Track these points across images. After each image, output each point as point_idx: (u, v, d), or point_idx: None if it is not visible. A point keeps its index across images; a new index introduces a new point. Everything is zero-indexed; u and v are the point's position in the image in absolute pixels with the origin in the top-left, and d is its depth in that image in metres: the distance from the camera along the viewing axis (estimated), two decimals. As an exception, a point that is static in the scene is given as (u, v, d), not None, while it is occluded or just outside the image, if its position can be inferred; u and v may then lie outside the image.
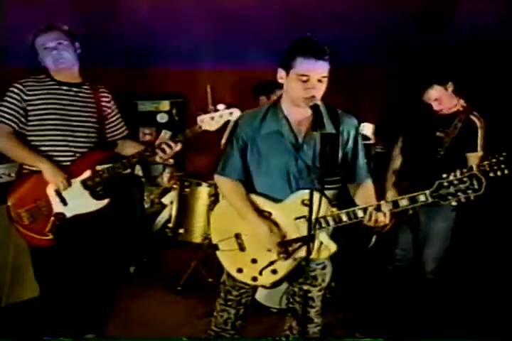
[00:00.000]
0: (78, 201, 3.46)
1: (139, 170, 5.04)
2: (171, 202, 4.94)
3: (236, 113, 3.38)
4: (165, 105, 5.31)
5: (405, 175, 3.95)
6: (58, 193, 3.45)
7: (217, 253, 3.08)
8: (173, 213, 4.77)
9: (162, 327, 4.07)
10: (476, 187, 2.74)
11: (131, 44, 5.13)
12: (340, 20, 5.16)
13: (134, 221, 4.98)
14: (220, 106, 3.40)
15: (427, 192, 2.80)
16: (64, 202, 3.46)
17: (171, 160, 5.09)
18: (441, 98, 3.81)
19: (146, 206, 5.20)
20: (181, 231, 4.65)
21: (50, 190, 3.46)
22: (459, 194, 2.76)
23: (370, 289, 4.29)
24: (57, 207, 3.46)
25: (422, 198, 2.80)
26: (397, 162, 4.09)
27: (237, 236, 3.03)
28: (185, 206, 4.69)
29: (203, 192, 4.64)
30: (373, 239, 4.34)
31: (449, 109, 3.86)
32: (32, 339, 3.67)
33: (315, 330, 3.14)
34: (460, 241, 4.19)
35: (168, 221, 4.92)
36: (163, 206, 5.20)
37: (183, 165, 5.40)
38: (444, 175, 2.79)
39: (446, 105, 3.84)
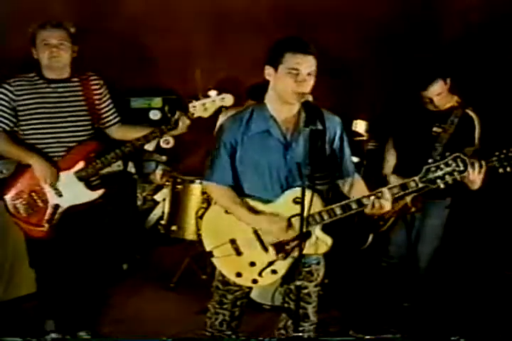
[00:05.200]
0: (73, 192, 3.53)
1: (131, 167, 5.03)
2: (164, 199, 4.94)
3: (228, 98, 3.37)
4: (157, 102, 5.29)
5: (402, 172, 3.94)
6: (52, 184, 3.50)
7: (213, 260, 3.05)
8: (166, 210, 4.77)
9: (155, 324, 4.07)
10: (461, 168, 2.84)
11: (124, 40, 5.12)
12: (333, 17, 5.17)
13: (127, 218, 4.98)
14: (212, 92, 3.39)
15: (416, 178, 2.88)
16: (59, 193, 3.51)
17: (164, 157, 5.10)
18: (443, 93, 3.82)
19: (138, 203, 5.19)
20: (174, 228, 4.65)
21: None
22: (446, 176, 2.85)
23: (364, 286, 4.30)
24: (52, 198, 3.52)
25: (412, 184, 2.88)
26: (392, 158, 4.09)
27: (233, 241, 3.01)
28: (177, 203, 4.69)
29: (196, 189, 4.63)
30: (370, 238, 4.34)
31: (445, 104, 3.87)
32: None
33: (310, 328, 3.14)
34: (454, 238, 4.22)
35: (161, 218, 4.92)
36: (156, 203, 5.19)
37: (176, 162, 5.39)
38: (430, 160, 2.87)
39: (444, 100, 3.85)
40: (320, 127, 2.88)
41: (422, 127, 3.90)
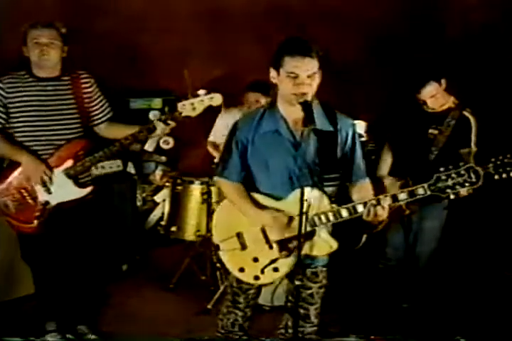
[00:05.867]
0: (62, 189, 3.55)
1: (131, 168, 5.02)
2: (164, 200, 4.94)
3: (216, 97, 3.38)
4: (157, 103, 5.29)
5: (399, 174, 3.93)
6: (42, 182, 3.53)
7: (220, 253, 3.08)
8: (166, 211, 4.77)
9: (154, 324, 4.07)
10: (473, 179, 2.74)
11: (123, 40, 5.13)
12: (333, 17, 5.18)
13: (126, 219, 4.98)
14: (201, 92, 3.40)
15: (425, 185, 2.78)
16: (48, 190, 3.54)
17: (163, 158, 5.09)
18: (437, 95, 3.79)
19: (138, 204, 5.18)
20: (174, 229, 4.66)
21: None
22: (457, 187, 2.76)
23: (361, 288, 4.29)
24: (41, 195, 3.54)
25: (420, 191, 2.79)
26: (388, 159, 4.08)
27: (239, 235, 3.03)
28: (177, 204, 4.70)
29: (196, 190, 4.64)
30: (363, 239, 4.34)
31: (441, 106, 3.85)
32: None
33: (310, 330, 3.13)
34: (453, 239, 4.21)
35: (161, 219, 4.93)
36: (156, 204, 5.19)
37: (175, 163, 5.39)
38: (442, 169, 2.78)
39: (439, 102, 3.83)
40: (330, 128, 2.92)
41: (418, 129, 3.88)
